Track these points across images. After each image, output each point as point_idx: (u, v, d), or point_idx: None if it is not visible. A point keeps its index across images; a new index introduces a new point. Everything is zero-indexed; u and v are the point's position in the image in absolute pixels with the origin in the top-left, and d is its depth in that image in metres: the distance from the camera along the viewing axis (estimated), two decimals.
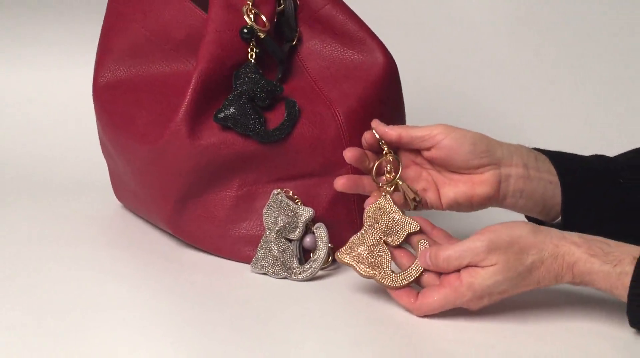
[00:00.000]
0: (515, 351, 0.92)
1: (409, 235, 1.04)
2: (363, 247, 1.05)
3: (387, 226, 1.05)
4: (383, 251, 1.04)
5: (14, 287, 1.05)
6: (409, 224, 1.04)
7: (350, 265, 1.05)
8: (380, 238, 1.05)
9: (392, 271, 1.03)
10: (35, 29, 1.78)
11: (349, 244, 1.06)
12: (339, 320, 1.01)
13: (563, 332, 0.96)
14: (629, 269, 0.91)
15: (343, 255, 1.06)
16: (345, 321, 1.01)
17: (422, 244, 1.02)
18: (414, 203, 1.06)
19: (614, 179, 1.07)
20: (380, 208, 1.06)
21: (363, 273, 1.04)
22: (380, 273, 1.04)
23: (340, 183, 1.06)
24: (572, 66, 1.74)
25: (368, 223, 1.06)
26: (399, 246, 1.05)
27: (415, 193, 1.06)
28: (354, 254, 1.06)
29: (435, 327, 0.99)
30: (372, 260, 1.05)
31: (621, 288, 0.92)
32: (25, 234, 1.25)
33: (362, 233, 1.06)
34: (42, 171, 1.54)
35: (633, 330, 0.94)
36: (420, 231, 1.04)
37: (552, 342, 0.94)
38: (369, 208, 1.06)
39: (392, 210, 1.05)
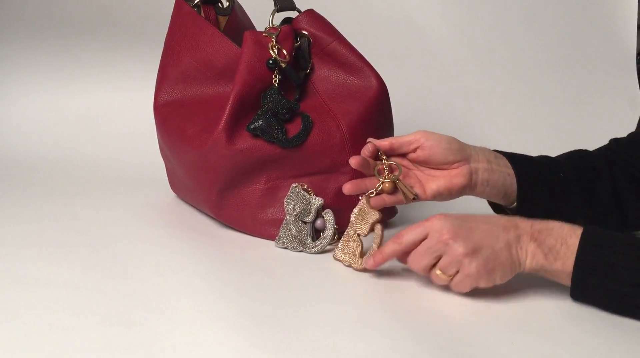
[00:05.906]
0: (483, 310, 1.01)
1: (374, 223, 1.11)
2: (346, 243, 1.13)
3: (360, 221, 1.12)
4: (357, 242, 1.12)
5: (97, 257, 1.13)
6: (373, 214, 1.11)
7: (339, 260, 1.14)
8: (355, 232, 1.12)
9: (361, 257, 1.11)
10: (112, 61, 1.88)
11: (340, 244, 1.14)
12: (341, 281, 1.10)
13: (519, 302, 1.04)
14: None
15: (336, 253, 1.15)
16: (346, 281, 1.09)
17: (377, 229, 1.10)
18: (412, 198, 1.12)
19: (556, 173, 1.18)
20: (360, 209, 1.12)
21: (344, 262, 1.13)
22: (354, 260, 1.12)
23: (347, 188, 1.12)
24: (520, 94, 1.85)
25: (352, 221, 1.12)
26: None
27: (415, 193, 1.12)
28: (339, 251, 1.14)
29: (417, 286, 1.06)
30: (350, 251, 1.13)
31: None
32: (103, 217, 1.32)
33: (346, 231, 1.14)
34: (114, 170, 1.62)
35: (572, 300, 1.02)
36: (381, 219, 1.11)
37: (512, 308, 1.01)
38: (353, 211, 1.12)
39: (365, 208, 1.12)
